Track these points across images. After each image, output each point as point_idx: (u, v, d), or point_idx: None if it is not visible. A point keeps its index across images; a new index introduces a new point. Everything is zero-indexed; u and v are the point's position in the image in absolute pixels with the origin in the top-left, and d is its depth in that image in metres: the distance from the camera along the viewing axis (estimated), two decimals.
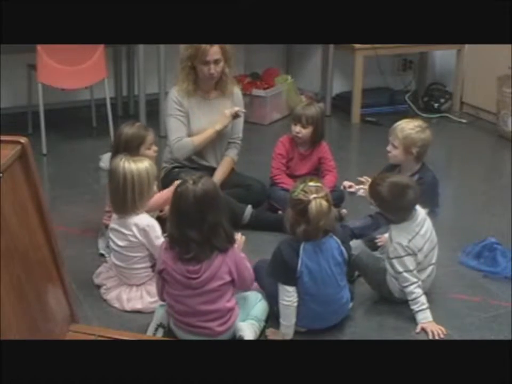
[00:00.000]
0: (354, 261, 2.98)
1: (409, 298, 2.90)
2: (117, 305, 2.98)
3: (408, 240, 2.89)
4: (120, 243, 2.97)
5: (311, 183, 2.73)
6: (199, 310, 2.60)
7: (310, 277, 2.72)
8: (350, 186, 3.71)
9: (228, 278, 2.60)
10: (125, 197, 2.91)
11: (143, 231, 2.92)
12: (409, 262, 2.89)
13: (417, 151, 3.31)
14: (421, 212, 2.98)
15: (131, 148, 3.27)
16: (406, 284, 2.89)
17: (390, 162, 3.44)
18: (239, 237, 2.86)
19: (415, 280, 2.88)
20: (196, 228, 2.53)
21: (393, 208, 2.93)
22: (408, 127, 3.35)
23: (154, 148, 3.42)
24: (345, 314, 2.89)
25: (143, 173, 2.93)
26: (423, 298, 2.89)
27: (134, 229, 2.92)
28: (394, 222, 2.97)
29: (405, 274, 2.89)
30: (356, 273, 3.16)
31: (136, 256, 2.96)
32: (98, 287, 3.10)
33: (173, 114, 3.78)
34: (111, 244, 3.03)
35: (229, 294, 2.64)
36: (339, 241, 2.78)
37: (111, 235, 3.02)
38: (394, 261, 2.91)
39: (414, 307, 2.89)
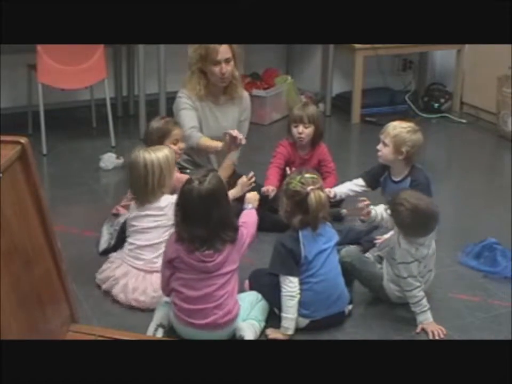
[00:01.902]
0: (347, 268, 2.99)
1: (411, 301, 2.90)
2: (121, 296, 2.99)
3: (415, 249, 2.89)
4: (150, 224, 3.03)
5: (307, 175, 2.80)
6: (209, 294, 2.63)
7: (313, 260, 2.78)
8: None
9: (237, 263, 2.69)
10: (147, 186, 3.01)
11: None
12: (414, 267, 2.89)
13: (407, 151, 3.29)
14: None
15: (154, 140, 3.36)
16: (410, 288, 2.89)
17: (379, 163, 3.44)
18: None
19: (418, 284, 2.88)
20: (202, 225, 2.59)
21: (411, 232, 2.89)
22: (400, 126, 3.35)
23: (181, 145, 3.47)
24: (345, 306, 2.91)
25: (162, 161, 3.03)
26: (424, 301, 2.89)
27: (167, 210, 2.99)
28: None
29: (409, 279, 2.88)
30: None
31: (165, 232, 3.01)
32: (99, 286, 3.11)
33: (185, 108, 3.75)
34: (133, 229, 3.07)
35: (235, 280, 2.70)
36: (330, 225, 2.88)
37: (133, 222, 3.07)
38: (401, 266, 2.90)
39: (416, 309, 2.89)
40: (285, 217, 2.85)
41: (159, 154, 3.05)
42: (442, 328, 2.86)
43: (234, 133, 3.46)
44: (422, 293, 2.89)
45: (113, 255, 3.19)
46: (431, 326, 2.87)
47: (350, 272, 3.01)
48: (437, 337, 2.82)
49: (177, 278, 2.67)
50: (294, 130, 3.79)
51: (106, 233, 3.38)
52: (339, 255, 2.97)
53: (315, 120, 3.78)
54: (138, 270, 3.03)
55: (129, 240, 3.11)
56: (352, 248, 3.14)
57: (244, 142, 3.49)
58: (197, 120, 3.75)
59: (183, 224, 2.63)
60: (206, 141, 3.68)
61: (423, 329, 2.86)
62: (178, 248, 2.63)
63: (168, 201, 3.02)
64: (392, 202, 2.92)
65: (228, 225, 2.65)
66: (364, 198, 3.09)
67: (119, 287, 3.02)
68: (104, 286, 3.09)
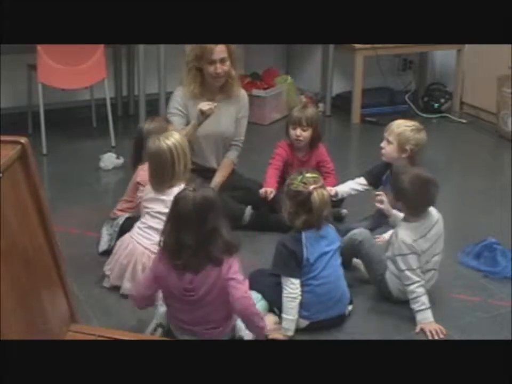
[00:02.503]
0: (357, 246, 3.02)
1: (410, 297, 2.89)
2: (131, 284, 2.99)
3: (412, 240, 2.89)
4: (163, 210, 3.01)
5: (308, 175, 2.80)
6: (199, 321, 2.59)
7: (315, 262, 2.77)
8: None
9: (225, 296, 2.53)
10: (173, 171, 3.05)
11: None
12: (413, 260, 2.89)
13: (410, 149, 3.31)
14: (434, 214, 2.98)
15: None
16: (408, 283, 2.88)
17: (381, 161, 3.44)
18: None
19: (417, 279, 2.88)
20: (192, 233, 2.49)
21: (412, 200, 2.91)
22: (404, 124, 3.38)
23: None
24: (346, 307, 2.91)
25: (182, 143, 3.09)
26: (423, 298, 2.88)
27: None
28: (406, 219, 2.97)
29: (407, 272, 2.88)
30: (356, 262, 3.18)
31: None
32: (101, 286, 3.12)
33: (175, 113, 3.79)
34: (147, 210, 3.09)
35: (227, 302, 2.56)
36: (334, 228, 2.88)
37: (148, 204, 3.10)
38: (398, 258, 2.91)
39: (414, 306, 2.88)
40: (288, 219, 2.83)
41: (177, 137, 3.10)
42: (442, 328, 2.86)
43: (202, 106, 3.61)
44: (421, 290, 2.87)
45: (122, 239, 3.19)
46: (430, 325, 2.85)
47: (358, 252, 3.04)
48: (436, 337, 2.81)
49: (166, 303, 2.65)
50: (292, 133, 3.77)
51: (106, 234, 3.38)
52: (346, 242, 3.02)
53: (313, 122, 3.76)
54: (144, 248, 3.04)
55: (142, 219, 3.14)
56: (366, 230, 3.14)
57: (214, 107, 3.62)
58: (182, 125, 3.76)
59: (172, 231, 2.53)
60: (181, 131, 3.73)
61: (422, 329, 2.86)
62: (162, 270, 2.55)
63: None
64: (394, 175, 2.98)
65: (219, 241, 2.50)
66: (380, 192, 3.15)
67: (128, 273, 3.03)
68: (112, 276, 3.09)
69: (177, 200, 2.57)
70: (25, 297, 2.06)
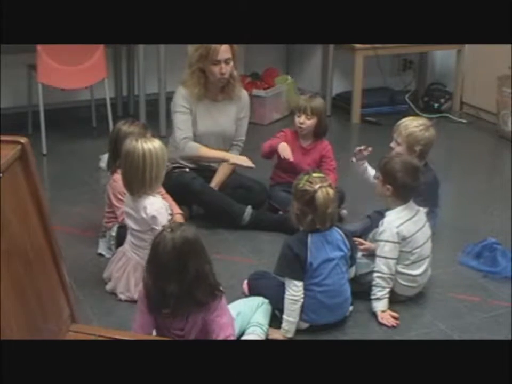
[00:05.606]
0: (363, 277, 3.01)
1: (373, 282, 2.94)
2: (126, 295, 3.01)
3: (399, 223, 2.92)
4: (138, 228, 3.00)
5: (315, 174, 2.80)
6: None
7: (319, 267, 2.76)
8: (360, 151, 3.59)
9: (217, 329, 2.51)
10: (144, 176, 2.92)
11: (153, 218, 2.94)
12: (389, 248, 2.92)
13: (420, 149, 3.33)
14: (414, 205, 3.02)
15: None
16: (376, 269, 2.94)
17: None
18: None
19: (384, 269, 2.91)
20: (175, 280, 2.39)
21: (401, 183, 2.95)
22: (412, 125, 3.39)
23: None
24: (347, 312, 2.91)
25: (159, 151, 2.95)
26: (377, 290, 2.92)
27: (143, 214, 2.95)
28: (391, 207, 3.00)
29: (378, 259, 2.93)
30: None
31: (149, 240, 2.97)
32: (101, 285, 3.12)
33: (181, 111, 3.78)
34: (129, 229, 3.05)
35: (222, 328, 2.51)
36: (343, 234, 2.85)
37: (127, 220, 3.05)
38: (379, 244, 2.96)
39: (372, 293, 2.94)
40: (296, 221, 2.83)
41: (155, 144, 2.97)
42: (395, 314, 2.91)
43: (246, 163, 3.74)
44: (379, 281, 2.92)
45: (118, 249, 3.19)
46: (383, 314, 2.92)
47: (363, 284, 3.02)
48: (387, 324, 2.87)
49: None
50: (297, 120, 3.83)
51: (105, 248, 3.36)
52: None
53: (318, 112, 3.80)
54: (136, 262, 3.02)
55: (128, 234, 3.09)
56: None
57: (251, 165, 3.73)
58: (190, 127, 3.76)
59: (152, 280, 2.44)
60: (208, 152, 3.73)
61: (375, 314, 2.93)
62: (149, 320, 2.51)
63: (154, 206, 2.95)
64: (384, 160, 3.03)
65: (204, 284, 2.42)
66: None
67: (123, 284, 3.04)
68: (108, 287, 3.10)
69: (155, 244, 2.44)
70: (25, 297, 2.06)
